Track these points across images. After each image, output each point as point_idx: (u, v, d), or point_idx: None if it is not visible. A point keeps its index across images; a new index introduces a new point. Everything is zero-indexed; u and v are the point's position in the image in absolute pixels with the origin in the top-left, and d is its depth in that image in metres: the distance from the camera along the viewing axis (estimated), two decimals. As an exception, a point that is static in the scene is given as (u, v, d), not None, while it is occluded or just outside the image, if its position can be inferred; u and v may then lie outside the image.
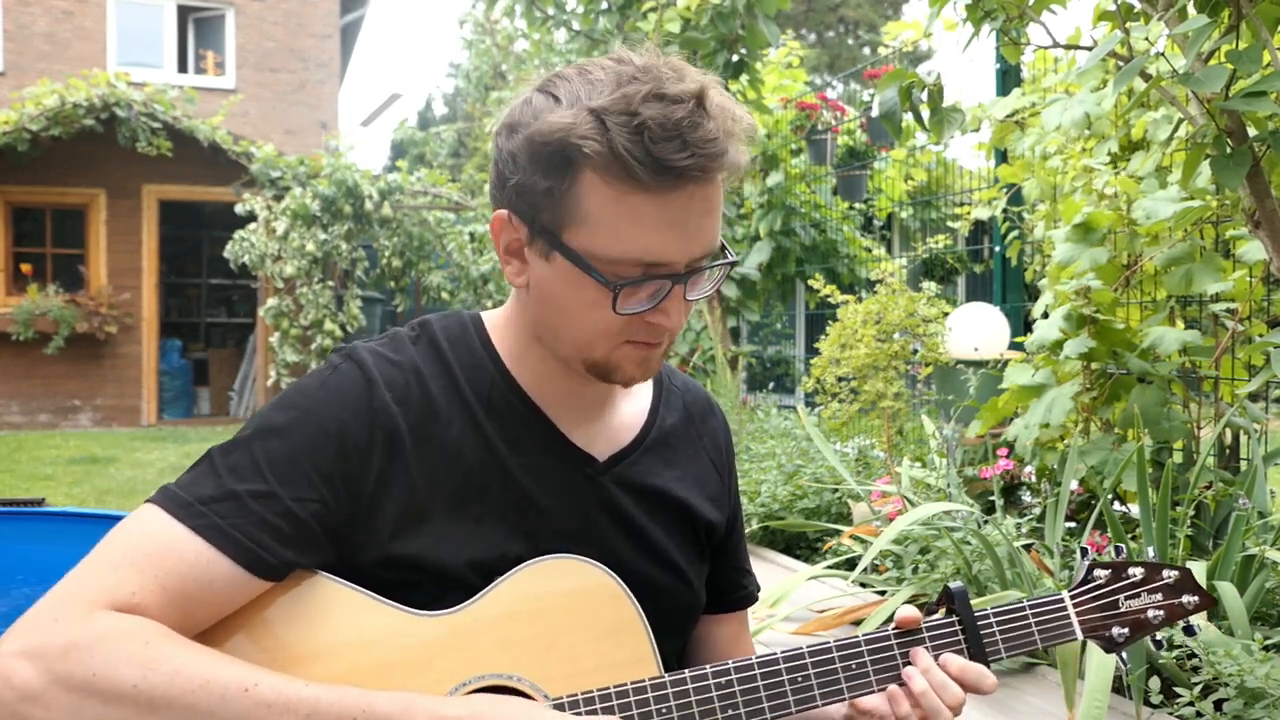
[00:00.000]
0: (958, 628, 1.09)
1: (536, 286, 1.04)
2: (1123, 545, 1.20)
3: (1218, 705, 2.32)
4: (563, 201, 0.97)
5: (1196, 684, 2.32)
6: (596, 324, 1.01)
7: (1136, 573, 1.15)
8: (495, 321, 1.14)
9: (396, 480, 1.02)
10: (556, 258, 0.99)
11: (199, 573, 0.93)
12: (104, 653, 0.87)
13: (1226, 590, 2.51)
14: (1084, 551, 1.18)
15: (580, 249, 0.97)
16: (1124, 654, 1.15)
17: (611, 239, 0.96)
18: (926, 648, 1.08)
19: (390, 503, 1.02)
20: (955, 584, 1.11)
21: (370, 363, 1.05)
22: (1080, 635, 1.13)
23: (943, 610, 1.12)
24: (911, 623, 1.09)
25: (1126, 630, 1.13)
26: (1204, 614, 2.10)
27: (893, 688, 1.06)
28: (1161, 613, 1.14)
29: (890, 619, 1.10)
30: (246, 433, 1.02)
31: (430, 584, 1.02)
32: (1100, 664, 2.21)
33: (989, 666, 1.08)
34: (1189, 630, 1.17)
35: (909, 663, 1.07)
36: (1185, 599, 1.15)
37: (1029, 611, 1.12)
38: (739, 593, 1.29)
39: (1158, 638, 1.16)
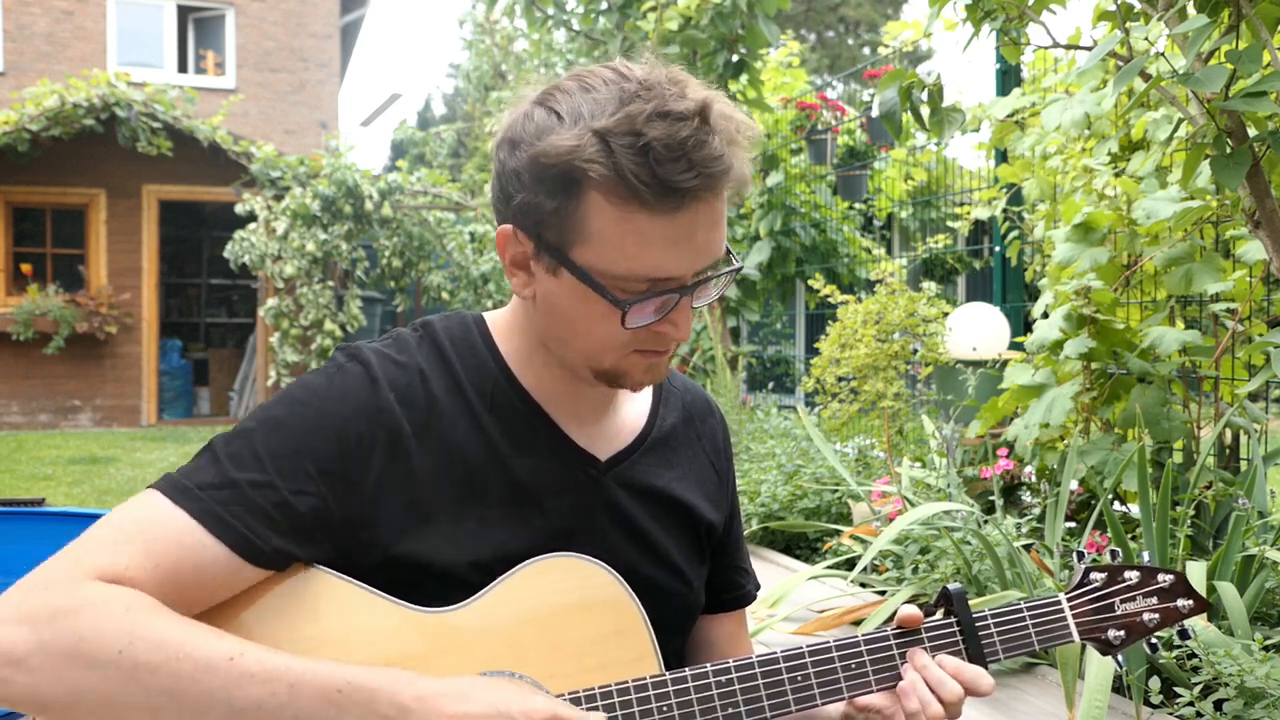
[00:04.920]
0: (956, 629, 1.10)
1: (544, 299, 1.04)
2: (1119, 550, 1.20)
3: (1218, 705, 2.32)
4: (569, 221, 0.97)
5: (1196, 684, 2.32)
6: (604, 337, 1.02)
7: (1132, 576, 1.16)
8: (498, 322, 1.14)
9: (399, 481, 1.03)
10: (564, 274, 1.00)
11: (193, 555, 0.94)
12: (90, 619, 0.88)
13: (1226, 590, 2.51)
14: (1080, 555, 1.18)
15: (587, 266, 0.98)
16: (1120, 656, 1.15)
17: (618, 257, 0.96)
18: (925, 648, 1.08)
19: (393, 503, 1.02)
20: (953, 585, 1.11)
21: (375, 363, 1.06)
22: (1077, 638, 1.13)
23: (941, 611, 1.12)
24: (912, 622, 1.09)
25: (1122, 633, 1.14)
26: (1200, 616, 2.10)
27: (901, 685, 1.06)
28: (1157, 616, 1.15)
29: (891, 619, 1.10)
30: (250, 424, 1.02)
31: (432, 584, 1.02)
32: (1100, 664, 2.21)
33: (986, 668, 1.08)
34: (1183, 634, 1.17)
35: (908, 662, 1.08)
36: (1180, 603, 1.15)
37: (1026, 613, 1.12)
38: (736, 592, 1.29)
39: (1153, 641, 1.17)
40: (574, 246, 0.98)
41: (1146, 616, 1.15)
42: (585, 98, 0.97)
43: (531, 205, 0.99)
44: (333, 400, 1.03)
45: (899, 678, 1.07)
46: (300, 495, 0.98)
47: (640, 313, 1.00)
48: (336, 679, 0.90)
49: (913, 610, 1.09)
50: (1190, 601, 1.15)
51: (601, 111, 0.95)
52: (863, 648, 1.07)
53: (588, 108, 0.96)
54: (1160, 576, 1.16)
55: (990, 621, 1.11)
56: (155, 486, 0.98)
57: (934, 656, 1.07)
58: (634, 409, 1.20)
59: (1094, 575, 1.15)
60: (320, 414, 1.02)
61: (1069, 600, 1.14)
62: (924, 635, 1.09)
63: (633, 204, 0.94)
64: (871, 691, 1.07)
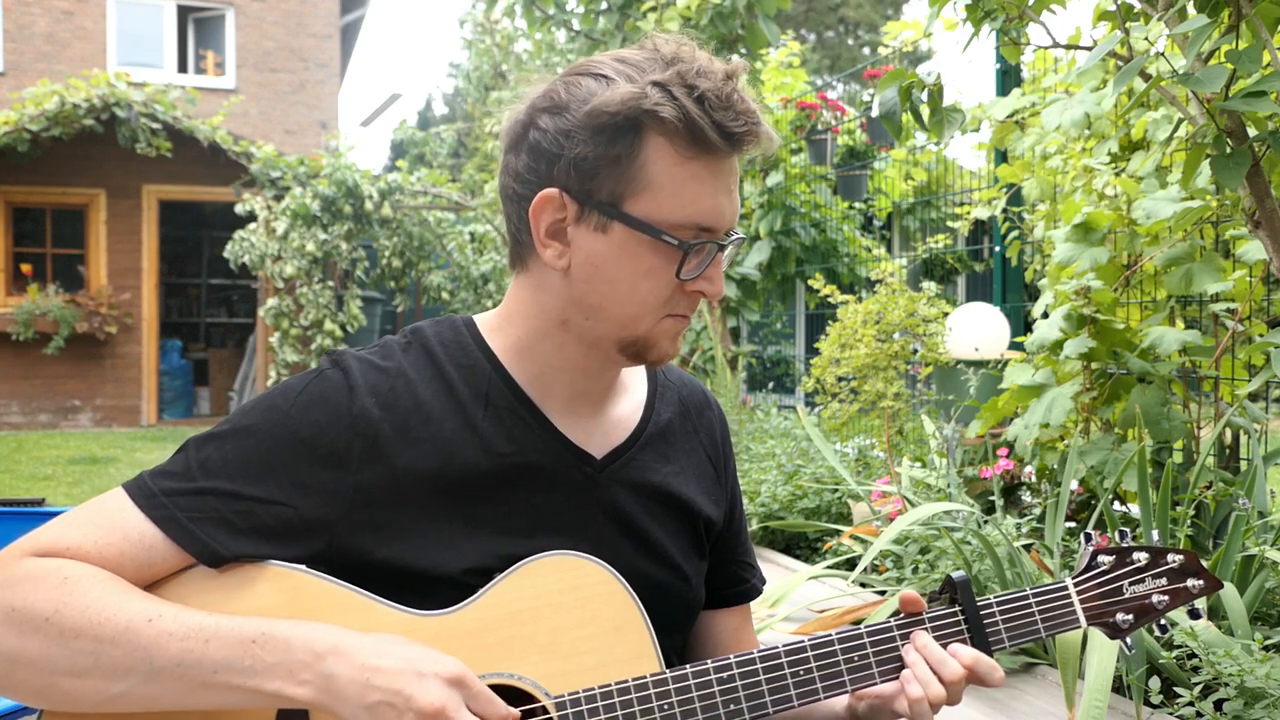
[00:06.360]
0: (960, 616, 1.09)
1: (584, 264, 1.05)
2: (1127, 529, 1.19)
3: (1218, 705, 2.33)
4: (628, 170, 1.01)
5: (1196, 684, 2.32)
6: (648, 294, 1.04)
7: (1141, 558, 1.14)
8: (490, 323, 1.15)
9: (380, 485, 1.03)
10: (614, 229, 1.02)
11: (141, 552, 0.98)
12: (24, 588, 0.94)
13: (1226, 590, 2.51)
14: (1088, 537, 1.16)
15: (643, 216, 1.01)
16: (1128, 640, 1.14)
17: (676, 203, 1.01)
18: (926, 628, 1.08)
19: (375, 508, 1.03)
20: (957, 573, 1.10)
21: (355, 369, 1.07)
22: (1084, 622, 1.12)
23: (945, 599, 1.12)
24: (913, 602, 1.09)
25: (1131, 616, 1.13)
26: (1206, 601, 2.09)
27: (904, 672, 1.06)
28: (1166, 597, 1.13)
29: (893, 616, 1.10)
30: (225, 427, 1.04)
31: (426, 585, 1.02)
32: (1100, 663, 2.21)
33: (991, 655, 1.08)
34: (1194, 614, 1.15)
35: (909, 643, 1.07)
36: (1190, 583, 1.14)
37: (1032, 599, 1.11)
38: (740, 586, 1.29)
39: (1162, 622, 1.15)
40: (629, 197, 1.02)
41: (1155, 598, 1.13)
42: (627, 65, 1.03)
43: (586, 159, 1.02)
44: (308, 408, 1.04)
45: (904, 666, 1.07)
46: (267, 504, 1.00)
47: (690, 262, 1.04)
48: (251, 630, 0.94)
49: (913, 593, 1.10)
50: (1201, 581, 1.14)
51: (651, 70, 1.02)
52: (865, 639, 1.07)
53: (634, 70, 1.03)
54: (1170, 557, 1.15)
55: (995, 609, 1.10)
56: (125, 486, 1.01)
57: (945, 646, 1.07)
58: (629, 404, 1.19)
59: (1101, 558, 1.14)
60: (294, 422, 1.03)
61: (1075, 584, 1.13)
62: (928, 623, 1.09)
63: (693, 148, 1.00)
64: (876, 683, 1.07)
